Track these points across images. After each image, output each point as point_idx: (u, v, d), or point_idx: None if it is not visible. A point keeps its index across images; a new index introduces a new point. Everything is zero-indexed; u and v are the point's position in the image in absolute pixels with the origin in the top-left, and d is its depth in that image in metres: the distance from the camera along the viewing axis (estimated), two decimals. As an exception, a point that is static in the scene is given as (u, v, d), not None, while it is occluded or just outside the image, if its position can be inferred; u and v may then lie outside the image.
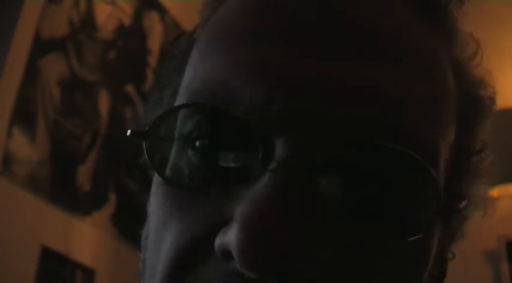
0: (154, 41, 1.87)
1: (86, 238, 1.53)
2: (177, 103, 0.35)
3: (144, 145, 0.32)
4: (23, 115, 1.40)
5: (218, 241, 0.28)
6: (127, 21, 1.78)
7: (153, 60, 1.85)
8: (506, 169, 1.71)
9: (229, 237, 0.27)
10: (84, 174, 1.55)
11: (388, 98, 0.30)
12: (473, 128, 0.38)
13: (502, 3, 1.93)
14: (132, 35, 1.80)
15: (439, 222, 0.32)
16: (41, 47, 1.47)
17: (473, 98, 0.38)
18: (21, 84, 1.39)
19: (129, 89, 1.75)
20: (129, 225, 1.60)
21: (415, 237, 0.29)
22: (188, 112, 0.32)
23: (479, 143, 0.38)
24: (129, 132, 0.33)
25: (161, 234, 0.32)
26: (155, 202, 0.33)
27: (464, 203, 0.35)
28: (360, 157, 0.29)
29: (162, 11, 1.91)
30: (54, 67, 1.50)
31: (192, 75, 0.34)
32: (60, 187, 1.48)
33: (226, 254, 0.28)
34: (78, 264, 1.49)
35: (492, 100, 0.39)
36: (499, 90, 0.40)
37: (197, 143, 0.32)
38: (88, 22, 1.63)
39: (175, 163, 0.33)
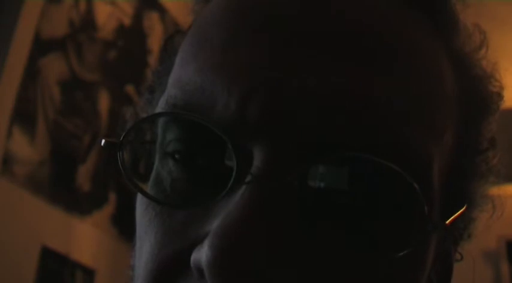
0: (154, 41, 1.87)
1: (86, 238, 1.53)
2: (157, 109, 0.33)
3: (118, 157, 0.30)
4: (23, 115, 1.40)
5: (193, 257, 0.27)
6: (127, 21, 1.78)
7: (153, 60, 1.85)
8: (506, 169, 1.71)
9: (202, 254, 0.26)
10: (84, 174, 1.55)
11: (373, 106, 0.28)
12: (477, 125, 0.35)
13: (502, 3, 1.93)
14: (132, 35, 1.80)
15: (433, 234, 0.30)
16: (41, 47, 1.47)
17: (477, 94, 0.35)
18: (21, 84, 1.39)
19: (129, 89, 1.75)
20: (129, 225, 1.59)
21: (400, 254, 0.28)
22: (166, 121, 0.31)
23: (484, 141, 0.36)
24: (103, 142, 0.31)
25: (142, 243, 0.31)
26: (139, 209, 0.32)
27: (465, 206, 0.32)
28: (341, 172, 0.28)
29: (162, 11, 1.91)
30: (54, 67, 1.50)
31: (172, 80, 0.33)
32: (60, 187, 1.48)
33: (201, 271, 0.27)
34: (78, 264, 1.49)
35: (499, 95, 0.37)
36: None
37: (177, 154, 0.30)
38: (88, 22, 1.63)
39: (157, 174, 0.32)
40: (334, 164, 0.28)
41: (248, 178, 0.27)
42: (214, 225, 0.26)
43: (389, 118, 0.28)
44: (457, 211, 0.32)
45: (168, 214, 0.30)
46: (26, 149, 1.40)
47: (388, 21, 0.31)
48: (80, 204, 1.53)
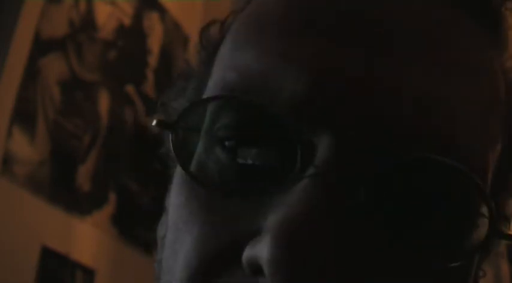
0: (154, 41, 1.86)
1: (86, 238, 1.53)
2: (206, 95, 0.32)
3: (170, 137, 0.29)
4: (23, 115, 1.40)
5: (247, 253, 0.26)
6: (127, 21, 1.78)
7: (153, 60, 1.85)
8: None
9: (261, 251, 0.24)
10: (84, 174, 1.55)
11: (442, 109, 0.27)
12: None
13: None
14: (132, 35, 1.79)
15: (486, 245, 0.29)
16: (41, 47, 1.47)
17: None
18: (21, 84, 1.39)
19: (129, 89, 1.75)
20: (129, 225, 1.59)
21: (456, 264, 0.26)
22: (220, 105, 0.29)
23: None
24: (155, 121, 0.30)
25: (181, 235, 0.29)
26: (177, 199, 0.30)
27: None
28: (408, 171, 0.26)
29: (162, 11, 1.91)
30: (54, 67, 1.50)
31: (226, 66, 0.31)
32: (60, 187, 1.47)
33: (256, 268, 0.25)
34: (78, 264, 1.49)
35: None
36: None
37: (228, 140, 0.29)
38: (88, 22, 1.63)
39: (201, 160, 0.30)
40: (404, 167, 0.26)
41: (311, 170, 0.25)
42: (274, 219, 0.24)
43: (457, 123, 0.27)
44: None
45: (214, 205, 0.28)
46: (26, 149, 1.40)
47: (452, 31, 0.30)
48: (80, 204, 1.53)
